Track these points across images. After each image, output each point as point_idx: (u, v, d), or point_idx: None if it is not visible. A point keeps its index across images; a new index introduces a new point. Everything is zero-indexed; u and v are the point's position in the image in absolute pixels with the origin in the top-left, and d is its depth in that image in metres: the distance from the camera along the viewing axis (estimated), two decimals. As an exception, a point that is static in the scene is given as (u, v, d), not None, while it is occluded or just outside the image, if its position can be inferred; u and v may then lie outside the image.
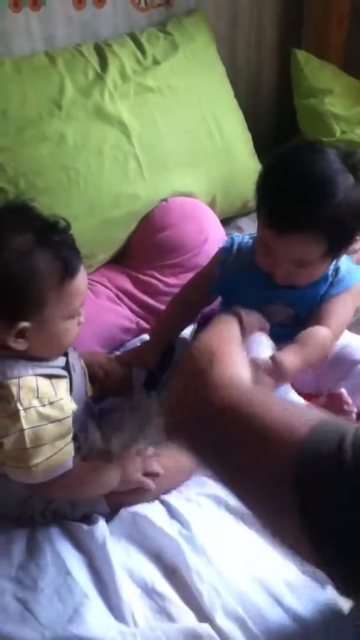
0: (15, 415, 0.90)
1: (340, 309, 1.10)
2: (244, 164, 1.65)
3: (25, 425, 0.90)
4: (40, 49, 1.50)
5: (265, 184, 1.04)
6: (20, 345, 0.93)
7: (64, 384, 0.97)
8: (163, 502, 1.03)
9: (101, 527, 0.98)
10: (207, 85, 1.62)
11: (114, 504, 1.02)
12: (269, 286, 1.10)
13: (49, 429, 0.91)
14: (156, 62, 1.55)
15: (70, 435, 0.95)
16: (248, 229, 1.60)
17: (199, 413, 0.67)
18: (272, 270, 1.07)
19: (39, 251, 0.91)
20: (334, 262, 1.10)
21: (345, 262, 1.13)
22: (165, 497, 1.03)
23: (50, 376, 0.95)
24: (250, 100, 1.97)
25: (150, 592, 0.89)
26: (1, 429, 0.91)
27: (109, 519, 1.00)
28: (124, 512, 1.00)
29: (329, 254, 1.04)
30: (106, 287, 1.45)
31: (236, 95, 1.74)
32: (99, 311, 1.37)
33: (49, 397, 0.92)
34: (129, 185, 1.44)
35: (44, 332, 0.94)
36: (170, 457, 1.05)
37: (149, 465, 1.03)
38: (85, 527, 0.98)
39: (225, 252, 1.18)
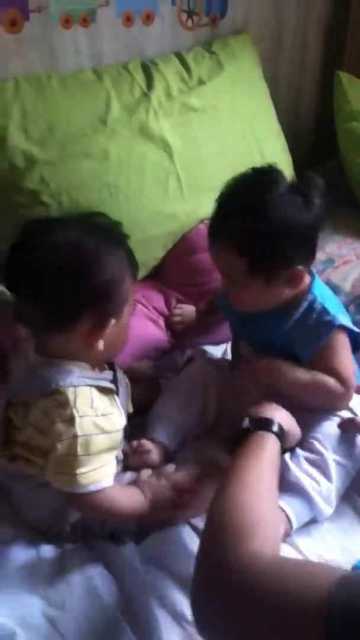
0: (70, 421, 0.91)
1: (333, 361, 1.08)
2: (283, 186, 1.64)
3: (79, 432, 0.91)
4: (86, 66, 1.51)
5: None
6: (101, 346, 0.95)
7: (113, 399, 0.99)
8: (193, 527, 1.02)
9: (130, 549, 0.98)
10: (250, 106, 1.62)
11: (143, 525, 1.02)
12: (237, 316, 1.17)
13: (99, 440, 0.92)
14: (201, 82, 1.56)
15: (117, 451, 0.97)
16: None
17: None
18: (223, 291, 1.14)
19: (120, 252, 0.96)
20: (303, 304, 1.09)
21: (318, 306, 1.09)
22: (195, 522, 1.03)
23: (101, 389, 0.96)
24: (291, 121, 1.97)
25: (180, 619, 0.89)
26: (56, 434, 0.91)
27: (138, 540, 1.00)
28: (155, 536, 1.00)
29: (255, 272, 1.04)
30: (141, 303, 1.45)
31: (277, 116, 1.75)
32: (133, 326, 1.37)
33: (102, 410, 0.94)
34: (169, 204, 1.44)
35: (117, 332, 0.97)
36: (201, 482, 1.04)
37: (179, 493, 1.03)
38: (113, 546, 0.98)
39: None
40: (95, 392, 0.95)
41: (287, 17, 1.88)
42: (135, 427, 1.11)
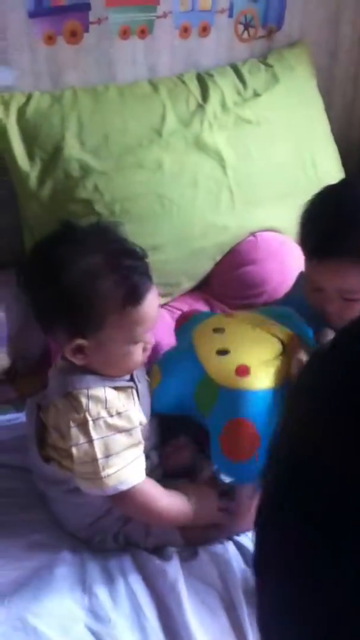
0: (84, 425, 0.92)
1: None
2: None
3: (94, 435, 0.91)
4: (142, 77, 1.52)
5: (306, 217, 1.06)
6: (78, 360, 0.95)
7: (130, 396, 0.98)
8: (239, 548, 1.01)
9: (174, 565, 0.97)
10: (304, 119, 1.60)
11: (187, 538, 1.01)
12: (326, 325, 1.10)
13: (117, 439, 0.93)
14: (256, 94, 1.55)
15: (141, 447, 0.95)
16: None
17: None
18: (324, 308, 1.06)
19: (105, 274, 0.92)
20: None
21: None
22: (241, 541, 1.02)
23: (116, 387, 0.97)
24: (343, 135, 1.95)
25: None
26: (72, 438, 0.92)
27: (182, 556, 0.99)
28: (202, 553, 0.99)
29: None
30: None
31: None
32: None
33: (116, 408, 0.94)
34: (220, 216, 1.44)
35: (102, 352, 0.95)
36: (244, 496, 1.03)
37: (223, 501, 1.02)
38: (157, 561, 0.98)
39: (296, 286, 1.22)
40: (110, 391, 0.95)
41: (343, 29, 1.85)
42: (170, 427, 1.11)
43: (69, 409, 0.93)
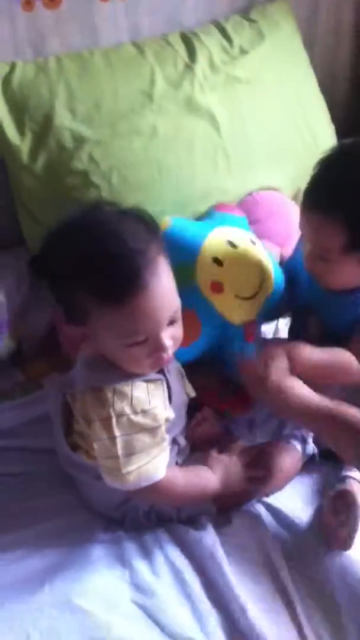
0: (107, 421, 0.88)
1: None
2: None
3: (117, 432, 0.88)
4: (125, 39, 1.47)
5: (314, 168, 1.03)
6: (86, 348, 0.91)
7: (160, 390, 0.94)
8: (271, 509, 1.01)
9: (210, 533, 0.96)
10: (293, 76, 1.57)
11: (219, 505, 1.01)
12: (317, 289, 1.09)
13: (140, 437, 0.90)
14: (243, 52, 1.50)
15: (165, 444, 0.93)
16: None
17: None
18: (307, 264, 1.07)
19: (86, 262, 0.82)
20: None
21: None
22: (273, 503, 1.01)
23: (147, 380, 0.92)
24: (327, 91, 1.91)
25: (266, 604, 0.87)
26: (95, 434, 0.90)
27: (216, 524, 0.99)
28: (235, 519, 0.98)
29: (351, 250, 0.99)
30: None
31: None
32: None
33: (142, 406, 0.90)
34: (218, 179, 1.40)
35: (103, 348, 0.89)
36: (275, 458, 1.03)
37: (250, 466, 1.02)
38: (192, 531, 0.97)
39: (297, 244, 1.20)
40: (137, 386, 0.90)
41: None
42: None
43: (95, 403, 0.90)
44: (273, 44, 1.55)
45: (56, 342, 1.26)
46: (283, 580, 0.91)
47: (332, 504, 0.96)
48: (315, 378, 1.02)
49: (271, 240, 1.41)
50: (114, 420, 0.88)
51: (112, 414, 0.88)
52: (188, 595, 0.88)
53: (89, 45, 1.41)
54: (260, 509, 1.01)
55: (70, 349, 1.03)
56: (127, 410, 0.89)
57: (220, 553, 0.93)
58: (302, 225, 1.05)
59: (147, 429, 0.90)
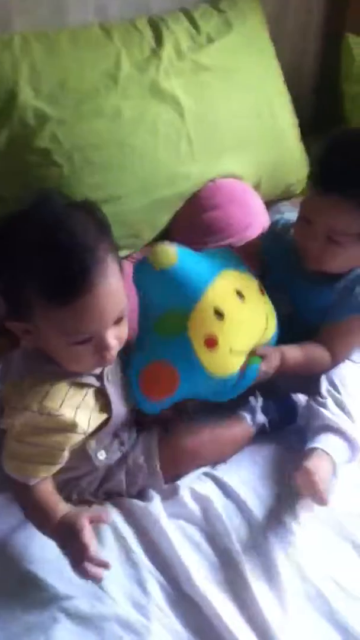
0: (13, 410, 0.88)
1: (347, 336, 1.10)
2: (291, 148, 1.64)
3: (16, 421, 0.87)
4: (92, 20, 1.47)
5: (327, 147, 1.04)
6: (27, 341, 0.89)
7: (78, 397, 0.91)
8: (216, 480, 1.03)
9: (156, 504, 0.98)
10: (259, 67, 1.60)
11: (168, 476, 1.02)
12: (294, 271, 1.11)
13: (35, 435, 0.88)
14: (210, 40, 1.52)
15: (59, 454, 0.90)
16: (288, 214, 1.59)
17: None
18: (306, 245, 1.06)
19: (34, 255, 0.79)
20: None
21: None
22: (219, 475, 1.03)
23: (74, 383, 0.90)
24: (294, 84, 1.94)
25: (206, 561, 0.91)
26: (4, 416, 0.90)
27: (163, 495, 1.00)
28: (182, 490, 1.00)
29: None
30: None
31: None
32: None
33: (50, 409, 0.87)
34: (181, 164, 1.43)
35: (45, 344, 0.87)
36: (222, 426, 1.06)
37: None
38: (139, 502, 0.99)
39: (273, 225, 1.23)
40: (60, 386, 0.88)
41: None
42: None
43: (12, 390, 0.90)
44: (240, 34, 1.58)
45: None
46: (226, 547, 0.94)
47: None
48: (295, 373, 1.08)
49: (231, 226, 1.45)
50: (18, 410, 0.87)
51: (19, 405, 0.87)
52: (131, 560, 0.91)
53: (56, 24, 1.41)
54: (207, 481, 1.03)
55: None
56: (35, 406, 0.87)
57: (164, 521, 0.95)
58: (311, 208, 1.04)
59: (47, 430, 0.88)
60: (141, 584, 0.88)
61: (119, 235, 1.38)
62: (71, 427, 0.89)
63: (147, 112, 1.38)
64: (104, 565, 0.82)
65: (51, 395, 0.87)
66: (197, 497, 1.00)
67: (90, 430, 0.93)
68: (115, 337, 0.86)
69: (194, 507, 0.98)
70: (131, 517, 0.97)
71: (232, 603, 0.88)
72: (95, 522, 0.87)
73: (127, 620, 0.84)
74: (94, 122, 1.32)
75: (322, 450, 0.99)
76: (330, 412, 1.03)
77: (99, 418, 0.94)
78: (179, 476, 1.03)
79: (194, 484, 1.02)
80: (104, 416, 0.95)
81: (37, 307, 0.82)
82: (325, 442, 1.01)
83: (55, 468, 0.91)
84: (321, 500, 0.95)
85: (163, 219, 1.47)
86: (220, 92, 1.50)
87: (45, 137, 1.29)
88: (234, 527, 0.96)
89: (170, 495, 1.00)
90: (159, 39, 1.47)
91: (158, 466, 1.01)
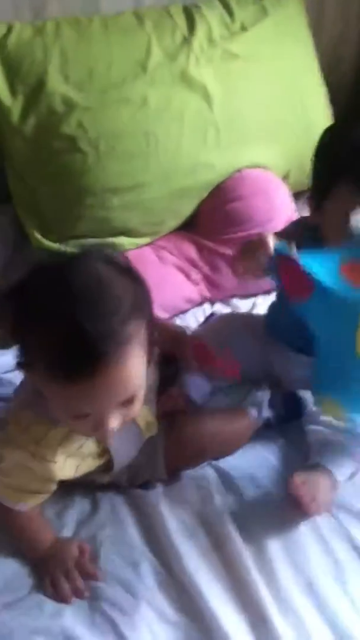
0: (6, 442, 0.87)
1: None
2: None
3: (7, 455, 0.87)
4: (128, 8, 1.48)
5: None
6: (33, 381, 0.82)
7: (76, 444, 0.88)
8: (217, 469, 1.05)
9: (157, 492, 1.01)
10: (293, 56, 1.57)
11: (171, 469, 1.04)
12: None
13: (21, 472, 0.88)
14: (244, 28, 1.51)
15: (38, 497, 0.91)
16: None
17: None
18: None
19: (50, 320, 0.71)
20: None
21: None
22: (223, 465, 1.05)
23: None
24: (332, 72, 1.91)
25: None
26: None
27: (165, 483, 1.03)
28: (184, 478, 1.03)
29: None
30: (172, 253, 1.45)
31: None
32: (164, 276, 1.39)
33: (44, 454, 0.86)
34: (206, 154, 1.42)
35: (46, 396, 0.80)
36: (226, 420, 1.07)
37: None
38: (141, 490, 1.02)
39: None
40: (60, 431, 0.85)
41: None
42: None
43: (15, 417, 0.88)
44: (275, 21, 1.56)
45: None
46: (220, 533, 0.96)
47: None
48: None
49: (253, 219, 1.44)
50: (12, 446, 0.86)
51: (16, 441, 0.86)
52: (127, 542, 0.94)
53: (90, 11, 1.43)
54: (209, 471, 1.06)
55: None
56: (31, 448, 0.85)
57: (162, 507, 0.98)
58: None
59: (31, 470, 0.87)
60: (134, 565, 0.91)
61: (142, 222, 1.41)
62: (54, 477, 0.89)
63: (174, 100, 1.38)
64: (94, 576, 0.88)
65: (49, 439, 0.85)
66: (198, 486, 1.02)
67: (78, 475, 0.93)
68: (120, 417, 0.78)
69: (192, 493, 1.01)
70: (130, 499, 1.00)
71: (224, 591, 0.90)
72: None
73: (113, 597, 0.87)
74: (120, 110, 1.34)
75: (324, 467, 1.00)
76: (333, 427, 1.03)
77: (95, 463, 0.94)
78: (182, 470, 1.05)
79: (196, 472, 1.04)
80: (106, 458, 0.94)
81: (40, 372, 0.75)
82: (326, 457, 1.01)
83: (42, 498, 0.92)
84: (307, 513, 0.97)
85: (187, 208, 1.47)
86: (251, 82, 1.48)
87: (72, 124, 1.31)
88: (231, 515, 0.98)
89: (170, 482, 1.03)
90: (191, 27, 1.47)
91: (163, 464, 1.03)
